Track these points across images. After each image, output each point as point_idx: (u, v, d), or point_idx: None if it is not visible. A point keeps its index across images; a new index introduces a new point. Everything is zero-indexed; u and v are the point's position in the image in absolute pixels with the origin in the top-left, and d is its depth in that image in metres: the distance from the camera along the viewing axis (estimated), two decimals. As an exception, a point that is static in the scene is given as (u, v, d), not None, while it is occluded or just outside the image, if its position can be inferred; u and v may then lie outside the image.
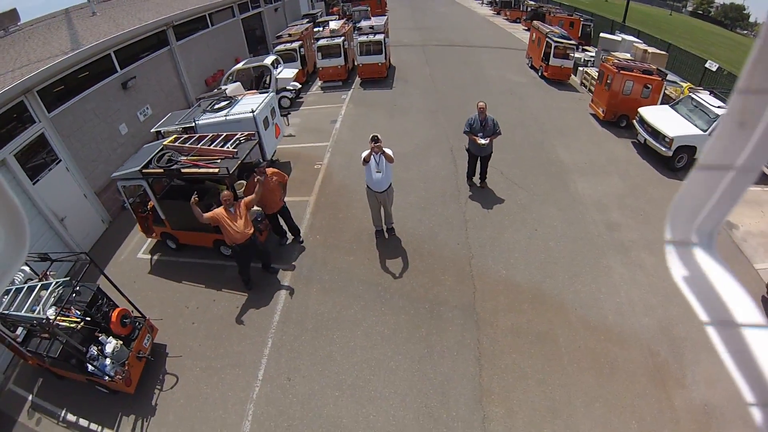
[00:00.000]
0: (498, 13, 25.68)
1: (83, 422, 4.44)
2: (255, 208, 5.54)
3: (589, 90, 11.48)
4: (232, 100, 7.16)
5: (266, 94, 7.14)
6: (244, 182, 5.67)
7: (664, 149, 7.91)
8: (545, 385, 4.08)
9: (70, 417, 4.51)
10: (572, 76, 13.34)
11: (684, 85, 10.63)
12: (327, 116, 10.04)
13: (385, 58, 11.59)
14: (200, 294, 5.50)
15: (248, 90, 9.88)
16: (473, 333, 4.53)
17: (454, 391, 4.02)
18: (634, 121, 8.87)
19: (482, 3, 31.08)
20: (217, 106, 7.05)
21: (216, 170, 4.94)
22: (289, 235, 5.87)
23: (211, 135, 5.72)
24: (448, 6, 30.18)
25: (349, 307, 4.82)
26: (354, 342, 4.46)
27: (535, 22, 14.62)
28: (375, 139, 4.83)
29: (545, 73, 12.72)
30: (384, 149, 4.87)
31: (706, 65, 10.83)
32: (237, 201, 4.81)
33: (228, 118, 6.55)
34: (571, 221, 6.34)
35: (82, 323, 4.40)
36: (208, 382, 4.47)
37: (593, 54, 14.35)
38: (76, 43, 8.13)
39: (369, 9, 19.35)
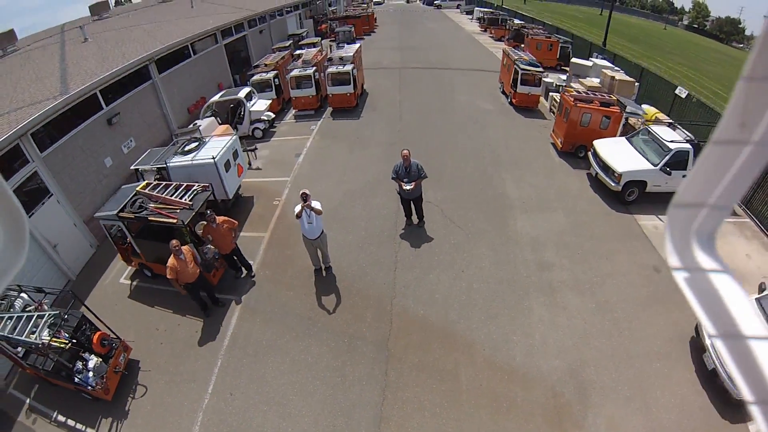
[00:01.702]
0: (485, 30, 26.35)
1: (71, 422, 5.70)
2: (212, 247, 6.74)
3: (557, 116, 11.67)
4: (200, 143, 8.28)
5: (229, 138, 8.24)
6: (204, 223, 6.85)
7: (613, 184, 8.14)
8: (439, 418, 4.67)
9: (61, 418, 5.75)
10: (543, 99, 13.80)
11: (646, 113, 10.75)
12: (293, 149, 11.08)
13: (354, 89, 12.53)
14: (168, 318, 6.74)
15: (224, 121, 10.97)
16: (382, 366, 5.41)
17: (357, 415, 4.87)
18: (589, 153, 9.13)
19: (471, 18, 31.52)
20: (187, 148, 8.18)
21: (174, 220, 6.13)
22: (243, 269, 7.08)
23: (174, 184, 6.90)
24: (438, 21, 30.51)
25: (282, 336, 6.04)
26: (283, 367, 5.67)
27: (505, 47, 15.34)
28: (304, 198, 5.94)
29: (513, 100, 13.25)
30: (312, 204, 5.96)
31: (676, 91, 11.34)
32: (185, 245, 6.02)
33: (193, 162, 7.71)
34: (500, 262, 6.89)
35: (69, 344, 5.67)
36: (170, 393, 5.70)
37: (565, 78, 15.03)
38: (65, 81, 9.22)
39: (353, 28, 20.13)
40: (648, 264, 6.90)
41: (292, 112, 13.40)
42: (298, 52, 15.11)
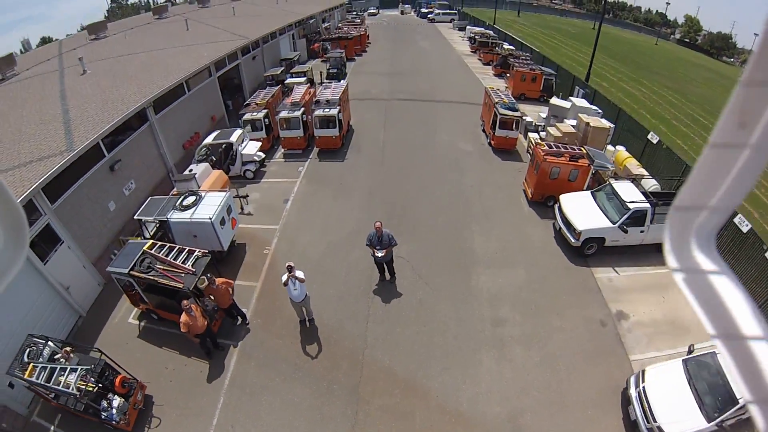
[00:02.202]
0: (475, 52, 27.33)
1: (94, 450, 7.12)
2: (212, 298, 8.13)
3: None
4: (197, 197, 9.44)
5: (224, 195, 9.42)
6: (206, 279, 8.17)
7: (573, 240, 8.78)
8: (396, 452, 5.91)
9: (84, 445, 7.16)
10: (522, 138, 14.62)
11: (615, 163, 11.71)
12: (282, 193, 12.23)
13: (340, 131, 13.65)
14: (176, 359, 8.14)
15: (218, 159, 11.98)
16: (353, 407, 6.76)
17: (332, 449, 6.30)
18: (555, 207, 9.77)
19: (463, 37, 32.26)
20: (185, 203, 9.34)
21: (181, 285, 7.48)
22: (239, 318, 8.53)
23: (178, 247, 8.16)
24: (431, 39, 31.04)
25: (273, 379, 7.59)
26: (274, 405, 7.24)
27: (486, 87, 16.53)
28: (289, 269, 7.38)
29: (492, 142, 14.16)
30: (296, 274, 7.42)
31: (648, 137, 12.44)
32: (193, 302, 7.36)
33: (192, 220, 8.94)
34: (460, 318, 7.88)
35: (96, 388, 7.06)
36: (180, 424, 7.17)
37: (544, 117, 15.90)
38: (69, 130, 10.04)
39: (344, 52, 20.79)
40: (596, 318, 7.90)
41: (281, 150, 14.42)
42: (289, 81, 15.87)
